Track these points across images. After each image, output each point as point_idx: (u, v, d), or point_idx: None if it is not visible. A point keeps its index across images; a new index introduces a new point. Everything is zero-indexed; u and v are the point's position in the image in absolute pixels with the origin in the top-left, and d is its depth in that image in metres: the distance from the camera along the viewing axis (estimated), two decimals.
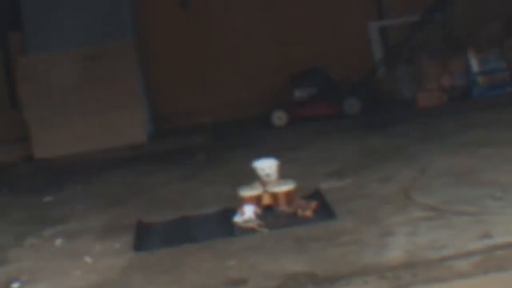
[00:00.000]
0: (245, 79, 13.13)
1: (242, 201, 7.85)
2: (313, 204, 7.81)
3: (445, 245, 6.36)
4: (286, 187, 7.87)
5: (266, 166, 7.94)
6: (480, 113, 10.85)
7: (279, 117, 12.25)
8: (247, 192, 7.89)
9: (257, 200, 7.81)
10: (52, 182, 10.60)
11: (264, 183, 7.88)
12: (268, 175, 7.90)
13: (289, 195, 7.82)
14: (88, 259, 7.42)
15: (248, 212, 7.70)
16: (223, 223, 7.84)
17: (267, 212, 7.73)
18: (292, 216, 7.65)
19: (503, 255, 5.94)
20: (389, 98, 12.48)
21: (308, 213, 7.65)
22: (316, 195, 8.12)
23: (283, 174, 7.99)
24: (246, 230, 7.51)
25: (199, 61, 13.27)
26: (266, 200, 7.80)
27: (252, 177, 7.96)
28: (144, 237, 7.84)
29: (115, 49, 12.51)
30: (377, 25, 13.26)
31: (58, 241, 8.13)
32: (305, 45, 13.09)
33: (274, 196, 7.81)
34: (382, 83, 12.69)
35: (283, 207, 7.76)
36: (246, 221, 7.63)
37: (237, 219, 7.70)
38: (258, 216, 7.66)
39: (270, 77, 12.88)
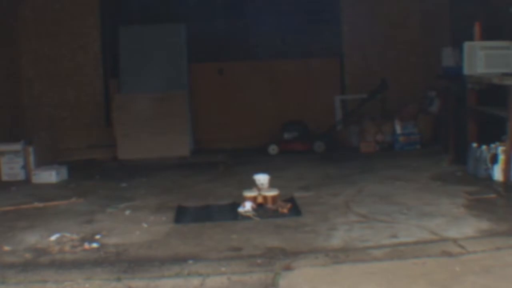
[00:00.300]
0: (253, 123, 13.13)
1: (244, 199, 7.93)
2: (289, 205, 7.89)
3: (368, 239, 6.48)
4: (272, 192, 7.95)
5: (261, 178, 8.03)
6: (399, 160, 10.87)
7: (273, 149, 12.26)
8: (248, 193, 7.95)
9: (253, 199, 7.87)
10: (127, 174, 10.63)
11: (259, 189, 7.96)
12: (262, 184, 8.00)
13: (274, 198, 7.90)
14: (144, 225, 7.52)
15: (248, 206, 7.80)
16: (231, 211, 7.92)
17: (259, 207, 7.79)
18: (274, 211, 7.73)
19: (403, 249, 6.08)
20: (343, 144, 12.48)
21: (285, 210, 7.74)
22: (291, 200, 8.17)
23: (272, 184, 8.06)
24: (245, 217, 7.60)
25: (226, 108, 13.28)
26: (260, 199, 7.87)
27: (252, 184, 8.04)
28: (181, 215, 7.91)
29: (175, 96, 12.53)
30: (339, 98, 13.27)
31: (127, 212, 8.22)
32: (293, 105, 13.10)
33: (265, 197, 7.88)
34: (340, 134, 12.72)
35: (269, 205, 7.83)
36: (246, 212, 7.72)
37: (240, 209, 7.80)
38: (254, 209, 7.75)
39: (269, 123, 12.86)
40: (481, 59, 9.39)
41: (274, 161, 11.11)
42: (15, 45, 12.78)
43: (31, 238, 7.12)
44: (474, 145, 9.24)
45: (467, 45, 9.65)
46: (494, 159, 8.77)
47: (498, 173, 8.68)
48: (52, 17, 13.02)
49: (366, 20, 13.08)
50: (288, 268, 5.66)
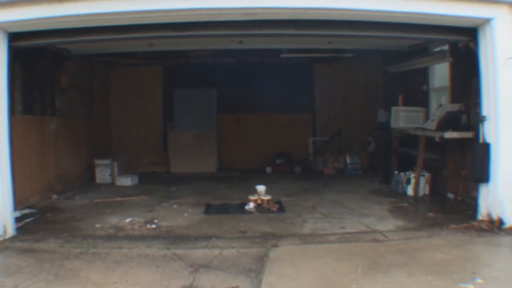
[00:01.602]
0: (256, 152, 13.08)
1: (249, 200, 7.92)
2: (277, 205, 7.90)
3: (326, 229, 6.50)
4: (267, 197, 7.95)
5: (260, 187, 8.03)
6: (347, 180, 10.78)
7: (268, 170, 12.15)
8: (251, 197, 7.95)
9: (255, 201, 7.88)
10: (176, 182, 10.59)
11: (259, 194, 7.95)
12: (261, 191, 7.98)
13: (268, 201, 7.91)
14: (185, 214, 7.54)
15: (251, 205, 7.81)
16: (240, 208, 7.87)
17: (259, 206, 7.79)
18: (268, 209, 7.73)
19: (348, 236, 6.12)
20: (313, 169, 12.36)
21: (275, 209, 7.74)
22: (279, 202, 8.12)
23: (267, 192, 8.04)
24: (249, 212, 7.60)
25: (240, 142, 13.20)
26: (259, 201, 7.87)
27: (254, 191, 8.02)
28: (209, 209, 7.90)
29: (207, 134, 12.54)
30: (312, 139, 13.19)
31: (175, 206, 8.21)
32: (282, 142, 13.03)
33: (262, 200, 7.89)
34: (311, 162, 12.64)
35: (265, 205, 7.84)
36: (250, 209, 7.72)
37: (246, 207, 7.79)
38: (255, 207, 7.75)
39: (267, 152, 12.77)
40: (402, 118, 9.45)
41: (269, 178, 11.07)
42: (108, 98, 12.87)
43: (113, 220, 7.19)
44: (396, 172, 9.27)
45: (393, 109, 9.71)
46: (408, 181, 8.80)
47: (410, 190, 8.71)
48: (132, 81, 13.10)
49: (330, 90, 13.10)
50: (275, 245, 5.71)
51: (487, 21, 6.29)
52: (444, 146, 8.16)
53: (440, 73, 9.28)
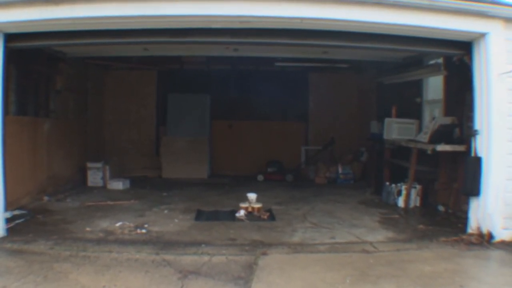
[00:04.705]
0: (249, 160, 13.08)
1: (240, 208, 7.90)
2: (268, 213, 7.88)
3: (316, 239, 6.50)
4: (258, 205, 7.94)
5: (251, 195, 8.00)
6: (339, 189, 10.75)
7: (260, 177, 12.13)
8: (242, 204, 7.93)
9: (246, 208, 7.85)
10: (167, 187, 10.56)
11: (250, 202, 7.93)
12: (252, 199, 7.96)
13: (259, 208, 7.89)
14: (176, 220, 7.52)
15: (242, 212, 7.79)
16: (231, 215, 7.85)
17: (249, 214, 7.77)
18: (258, 217, 7.72)
19: (338, 246, 6.12)
20: (304, 177, 12.35)
21: (265, 217, 7.71)
22: (269, 210, 8.11)
23: (258, 200, 8.03)
24: (239, 220, 7.58)
25: (232, 149, 13.22)
26: (249, 209, 7.85)
27: (245, 199, 8.01)
28: (199, 215, 7.88)
29: (200, 140, 12.56)
30: (304, 147, 13.20)
31: (166, 211, 8.19)
32: (274, 150, 13.05)
33: (253, 208, 7.87)
34: (303, 171, 12.64)
35: (255, 213, 7.81)
36: (240, 216, 7.70)
37: (237, 214, 7.77)
38: (245, 215, 7.73)
39: (259, 160, 12.77)
40: (395, 129, 9.48)
41: (260, 185, 11.07)
42: (101, 101, 12.86)
43: (104, 223, 7.17)
44: (387, 183, 9.30)
45: (386, 120, 9.75)
46: (399, 193, 8.83)
47: (401, 202, 8.73)
48: (126, 85, 13.09)
49: (324, 100, 13.17)
50: (264, 254, 5.72)
51: (482, 35, 6.35)
52: (436, 159, 8.19)
53: (434, 86, 9.34)
